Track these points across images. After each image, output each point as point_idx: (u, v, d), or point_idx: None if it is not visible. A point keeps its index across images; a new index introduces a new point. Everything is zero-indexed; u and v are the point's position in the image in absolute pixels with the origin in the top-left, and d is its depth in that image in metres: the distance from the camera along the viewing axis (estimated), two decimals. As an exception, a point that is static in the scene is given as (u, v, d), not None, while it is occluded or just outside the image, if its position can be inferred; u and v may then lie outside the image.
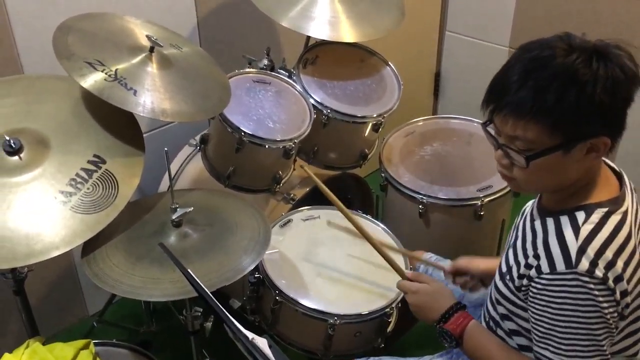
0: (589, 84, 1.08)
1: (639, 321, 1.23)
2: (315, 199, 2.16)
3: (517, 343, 1.32)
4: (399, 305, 1.70)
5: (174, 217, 1.51)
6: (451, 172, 2.11)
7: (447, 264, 1.81)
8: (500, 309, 1.33)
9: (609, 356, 1.16)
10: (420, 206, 2.03)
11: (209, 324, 1.66)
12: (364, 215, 1.96)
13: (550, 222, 1.22)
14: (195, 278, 1.12)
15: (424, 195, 2.02)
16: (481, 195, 2.00)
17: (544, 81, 1.09)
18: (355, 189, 2.40)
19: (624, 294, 1.14)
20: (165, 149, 1.48)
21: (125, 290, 1.41)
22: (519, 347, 1.32)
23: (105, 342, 1.59)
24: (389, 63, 2.20)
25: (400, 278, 1.54)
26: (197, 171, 2.20)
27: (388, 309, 1.67)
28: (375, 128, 2.09)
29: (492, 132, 1.22)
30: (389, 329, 1.73)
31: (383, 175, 2.13)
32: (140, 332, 2.22)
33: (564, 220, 1.19)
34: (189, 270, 1.14)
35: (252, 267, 1.47)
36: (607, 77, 1.08)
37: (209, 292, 1.11)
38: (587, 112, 1.09)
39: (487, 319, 1.41)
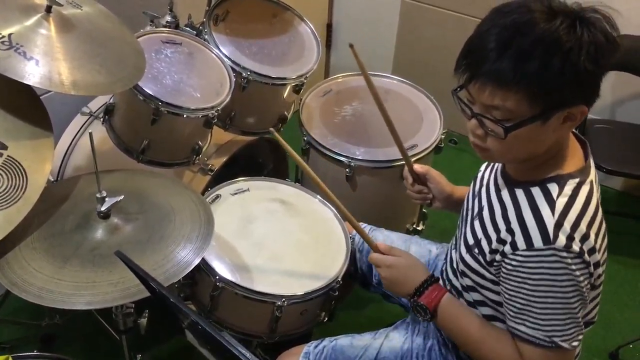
0: (573, 51, 1.02)
1: (599, 287, 1.24)
2: (235, 167, 2.02)
3: (482, 313, 1.30)
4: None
5: (102, 208, 1.30)
6: (375, 132, 2.04)
7: (382, 232, 1.77)
8: (466, 281, 1.30)
9: (583, 325, 1.17)
10: (347, 169, 1.95)
11: (143, 320, 1.49)
12: (287, 181, 1.86)
13: (520, 193, 1.18)
14: (163, 287, 0.96)
15: (351, 158, 1.94)
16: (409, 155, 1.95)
17: (527, 48, 1.03)
18: (270, 153, 2.29)
19: (597, 265, 1.14)
20: (90, 131, 1.26)
21: (55, 299, 1.20)
22: (483, 317, 1.31)
23: (26, 355, 1.37)
24: (305, 18, 2.06)
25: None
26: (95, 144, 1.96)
27: (334, 283, 1.59)
28: (297, 89, 1.96)
29: (464, 99, 1.16)
30: (333, 303, 1.66)
31: (305, 138, 2.01)
32: (43, 326, 1.99)
33: (536, 192, 1.15)
34: (156, 280, 0.97)
35: (200, 258, 1.32)
36: (591, 43, 1.03)
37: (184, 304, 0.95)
38: (571, 80, 1.04)
39: (448, 288, 1.38)
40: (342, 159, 1.95)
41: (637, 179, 2.58)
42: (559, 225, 1.10)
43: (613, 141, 2.57)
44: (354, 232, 1.71)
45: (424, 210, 2.24)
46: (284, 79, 1.90)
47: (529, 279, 1.13)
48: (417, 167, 1.61)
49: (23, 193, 1.29)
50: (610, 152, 2.48)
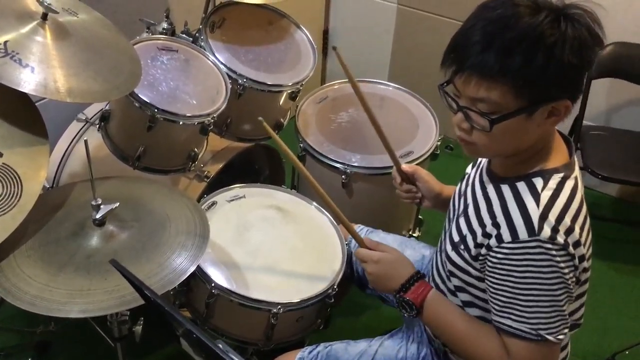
0: (557, 46, 1.04)
1: (585, 284, 1.25)
2: (231, 174, 2.02)
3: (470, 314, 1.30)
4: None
5: (97, 215, 1.30)
6: (371, 139, 2.04)
7: (378, 235, 1.77)
8: (454, 281, 1.30)
9: (568, 317, 1.17)
10: (343, 176, 1.95)
11: (138, 328, 1.48)
12: (283, 187, 1.86)
13: (505, 188, 1.20)
14: (158, 296, 0.96)
15: (347, 164, 1.94)
16: (404, 162, 1.95)
17: (511, 42, 1.05)
18: (266, 159, 2.29)
19: (582, 258, 1.15)
20: (85, 138, 1.26)
21: (50, 307, 1.20)
22: None
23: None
24: (300, 25, 2.06)
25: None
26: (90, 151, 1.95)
27: (330, 290, 1.59)
28: (293, 96, 1.96)
29: (450, 93, 1.17)
30: (329, 309, 1.66)
31: (301, 145, 2.01)
32: (38, 334, 1.98)
33: (522, 186, 1.17)
34: (152, 289, 0.97)
35: (196, 265, 1.32)
36: (575, 38, 1.05)
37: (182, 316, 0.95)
38: (555, 74, 1.06)
39: None
40: (338, 165, 1.95)
41: (633, 185, 2.58)
42: (543, 217, 1.11)
43: (608, 148, 2.58)
44: (350, 237, 1.71)
45: (420, 216, 2.25)
46: (280, 85, 1.91)
47: (514, 271, 1.13)
48: (405, 166, 1.64)
49: (18, 200, 1.28)
50: (606, 158, 2.49)
